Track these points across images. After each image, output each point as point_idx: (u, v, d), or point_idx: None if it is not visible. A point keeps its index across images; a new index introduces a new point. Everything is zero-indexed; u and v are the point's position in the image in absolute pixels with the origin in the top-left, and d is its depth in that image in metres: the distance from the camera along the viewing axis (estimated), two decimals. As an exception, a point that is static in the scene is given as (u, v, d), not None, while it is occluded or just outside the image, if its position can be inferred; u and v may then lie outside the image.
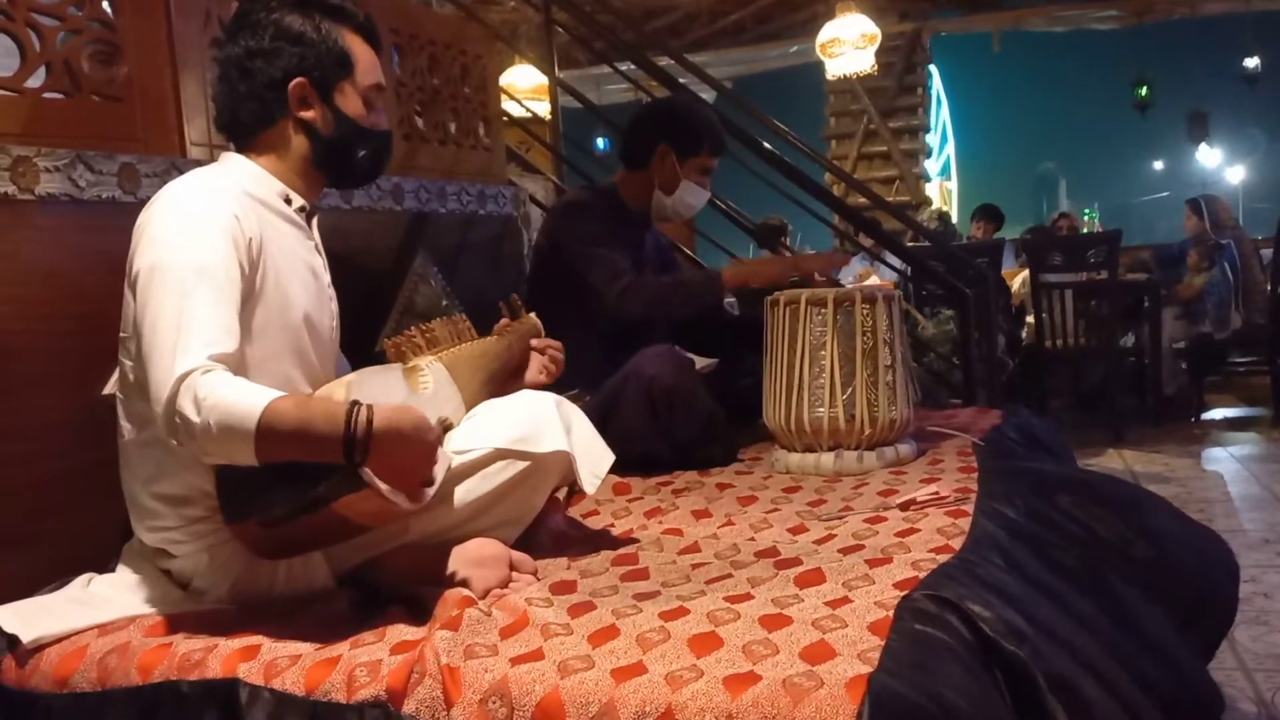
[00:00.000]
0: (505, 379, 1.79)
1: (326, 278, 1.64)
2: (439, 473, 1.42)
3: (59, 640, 1.41)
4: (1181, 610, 1.61)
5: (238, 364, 1.36)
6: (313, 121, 1.56)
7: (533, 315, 1.89)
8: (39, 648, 1.40)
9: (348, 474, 1.29)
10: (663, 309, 2.42)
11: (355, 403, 1.30)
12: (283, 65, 1.53)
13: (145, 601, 1.49)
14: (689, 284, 2.48)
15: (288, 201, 1.57)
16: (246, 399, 1.27)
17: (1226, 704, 2.17)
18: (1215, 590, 1.73)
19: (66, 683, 1.36)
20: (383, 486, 1.30)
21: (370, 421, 1.29)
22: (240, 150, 1.58)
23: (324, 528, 1.38)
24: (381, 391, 1.43)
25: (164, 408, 1.29)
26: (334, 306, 1.65)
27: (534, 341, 1.86)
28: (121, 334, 1.48)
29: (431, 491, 1.41)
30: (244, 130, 1.57)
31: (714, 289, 2.46)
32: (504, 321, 1.84)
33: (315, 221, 1.64)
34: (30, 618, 1.43)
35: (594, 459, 1.64)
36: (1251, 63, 10.72)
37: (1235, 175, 23.15)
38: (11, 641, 1.40)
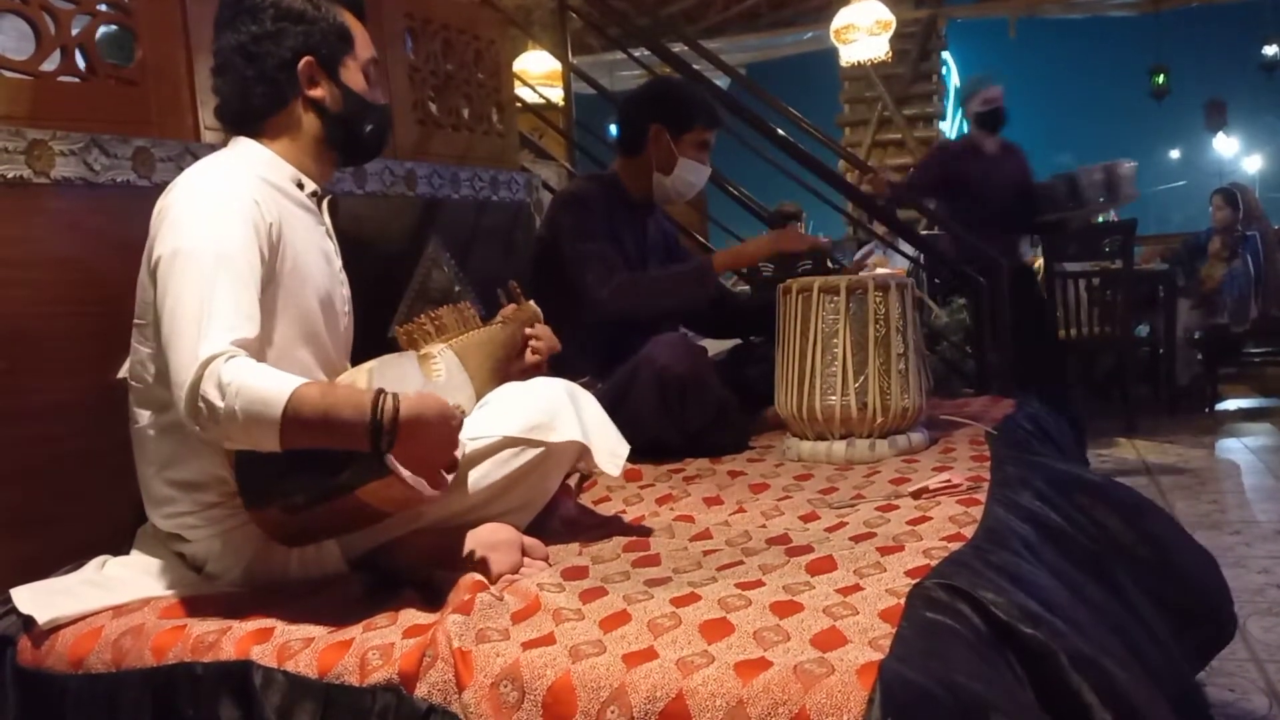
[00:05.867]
0: (511, 370, 1.79)
1: (338, 262, 1.65)
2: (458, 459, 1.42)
3: (74, 621, 1.42)
4: (1177, 617, 1.61)
5: (258, 349, 1.36)
6: (322, 100, 1.57)
7: (531, 303, 1.88)
8: (54, 629, 1.41)
9: (372, 461, 1.29)
10: (654, 304, 2.41)
11: (381, 390, 1.30)
12: (290, 45, 1.53)
13: (159, 584, 1.50)
14: (678, 276, 2.46)
15: (300, 186, 1.57)
16: (273, 385, 1.28)
17: (1237, 695, 2.17)
18: (1213, 604, 1.74)
19: (82, 663, 1.37)
20: (405, 474, 1.30)
21: (397, 409, 1.29)
22: (250, 137, 1.58)
23: (345, 514, 1.38)
24: (398, 379, 1.44)
25: (187, 392, 1.29)
26: (346, 291, 1.66)
27: (533, 336, 1.85)
28: (137, 320, 1.49)
29: (452, 477, 1.41)
30: (255, 116, 1.57)
31: (704, 279, 2.45)
32: (508, 308, 1.84)
33: (326, 205, 1.64)
34: (46, 599, 1.44)
35: (610, 444, 1.64)
36: (1270, 50, 10.62)
37: (1253, 164, 22.97)
38: (27, 622, 1.42)
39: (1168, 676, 1.36)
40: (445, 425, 1.37)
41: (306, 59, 1.54)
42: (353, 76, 1.59)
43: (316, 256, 1.56)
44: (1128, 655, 1.26)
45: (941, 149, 4.60)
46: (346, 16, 1.59)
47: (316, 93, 1.56)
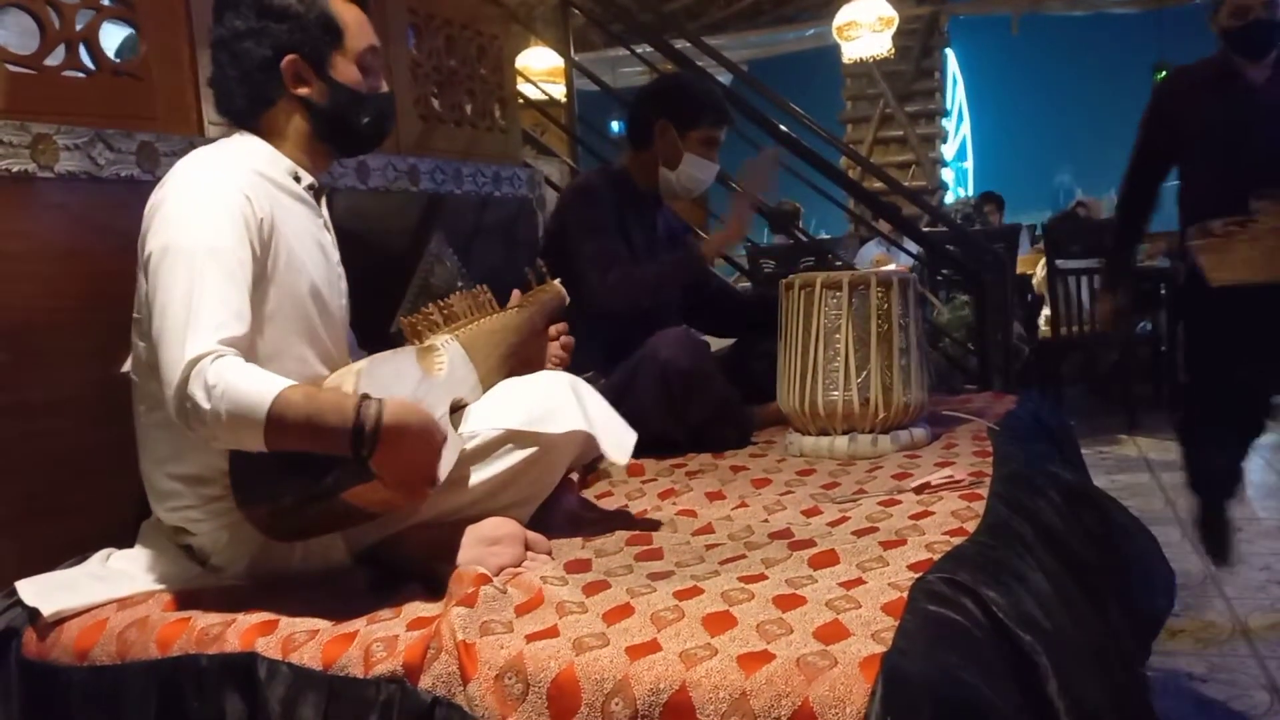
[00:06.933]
0: (526, 354, 1.77)
1: (336, 256, 1.64)
2: (446, 467, 1.41)
3: (79, 614, 1.43)
4: (1139, 627, 1.63)
5: (249, 347, 1.36)
6: (310, 97, 1.55)
7: (556, 282, 1.86)
8: (59, 621, 1.42)
9: (356, 466, 1.29)
10: (651, 296, 2.41)
11: (365, 396, 1.29)
12: (272, 43, 1.51)
13: (164, 577, 1.50)
14: (670, 266, 2.47)
15: (297, 179, 1.57)
16: (256, 388, 1.27)
17: (1238, 691, 2.17)
18: (1149, 631, 1.76)
19: (86, 655, 1.37)
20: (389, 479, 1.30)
21: (380, 416, 1.28)
22: (246, 131, 1.57)
23: (334, 515, 1.38)
24: (394, 378, 1.42)
25: (174, 392, 1.29)
26: (343, 285, 1.65)
27: (552, 330, 1.84)
28: (135, 315, 1.49)
29: (433, 491, 1.40)
30: (243, 114, 1.56)
31: (694, 264, 2.47)
32: (532, 291, 1.83)
33: (324, 199, 1.64)
34: (50, 591, 1.45)
35: (617, 434, 1.64)
36: (1273, 48, 10.57)
37: (1255, 162, 22.86)
38: (32, 614, 1.42)
39: (1134, 689, 1.38)
40: (428, 437, 1.35)
41: (290, 58, 1.52)
42: (344, 70, 1.56)
43: (312, 250, 1.56)
44: (1102, 668, 1.27)
45: (1163, 89, 2.90)
46: (338, 6, 1.55)
47: (303, 90, 1.54)
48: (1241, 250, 2.35)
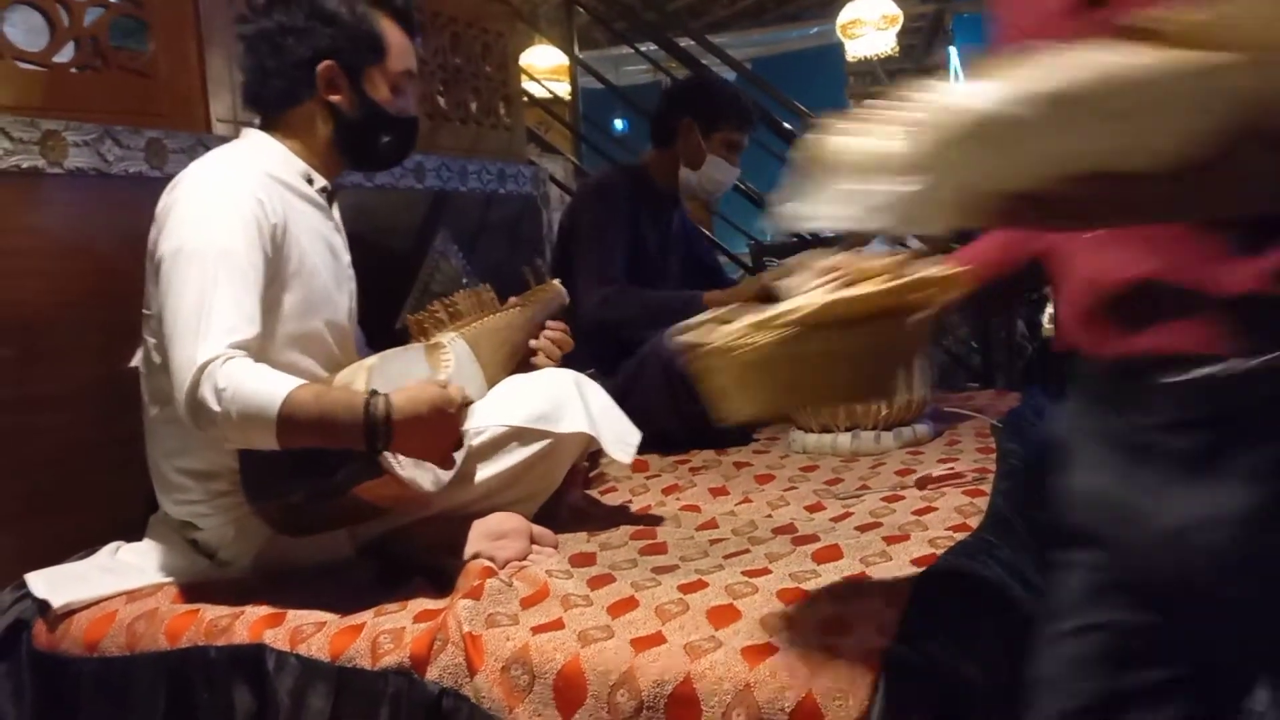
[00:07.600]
0: (530, 352, 1.77)
1: (346, 258, 1.65)
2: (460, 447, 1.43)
3: (88, 606, 1.44)
4: None
5: (259, 350, 1.37)
6: (339, 105, 1.56)
7: (556, 282, 1.87)
8: (69, 613, 1.43)
9: (366, 462, 1.31)
10: (640, 323, 2.35)
11: (373, 393, 1.31)
12: (314, 45, 1.53)
13: (172, 570, 1.52)
14: (669, 304, 2.35)
15: (309, 182, 1.58)
16: (266, 389, 1.29)
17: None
18: None
19: (96, 647, 1.39)
20: (401, 473, 1.32)
21: (389, 411, 1.29)
22: (264, 126, 1.58)
23: (344, 510, 1.40)
24: (402, 375, 1.44)
25: (185, 394, 1.30)
26: (352, 286, 1.66)
27: (547, 329, 1.83)
28: (145, 312, 1.50)
29: (461, 455, 1.41)
30: (268, 106, 1.58)
31: (691, 312, 2.39)
32: (531, 290, 1.84)
33: (336, 201, 1.64)
34: (60, 584, 1.46)
35: (620, 432, 1.65)
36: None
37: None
38: (42, 607, 1.44)
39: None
40: (442, 414, 1.35)
41: (328, 63, 1.53)
42: (378, 86, 1.57)
43: (323, 252, 1.57)
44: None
45: None
46: (386, 26, 1.57)
47: (335, 97, 1.56)
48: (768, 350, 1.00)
